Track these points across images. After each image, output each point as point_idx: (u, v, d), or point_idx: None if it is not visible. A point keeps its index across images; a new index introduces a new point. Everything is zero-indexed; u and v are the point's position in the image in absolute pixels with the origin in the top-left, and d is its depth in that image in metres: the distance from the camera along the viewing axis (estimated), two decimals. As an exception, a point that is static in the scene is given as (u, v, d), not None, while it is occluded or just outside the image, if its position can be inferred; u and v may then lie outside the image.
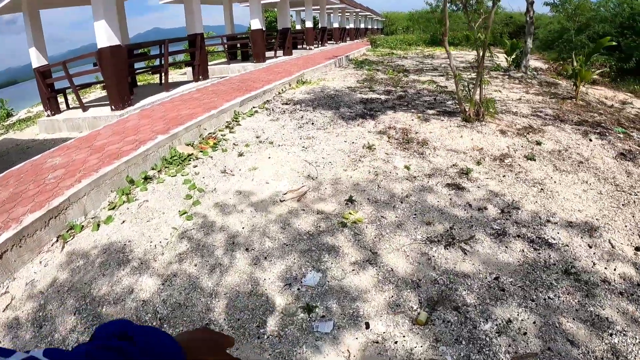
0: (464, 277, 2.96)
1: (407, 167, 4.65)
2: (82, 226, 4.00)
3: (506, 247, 3.26)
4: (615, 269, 3.07)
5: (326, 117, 6.86)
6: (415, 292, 2.90)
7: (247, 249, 3.44)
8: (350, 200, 3.98)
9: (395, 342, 2.53)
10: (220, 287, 3.06)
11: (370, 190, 4.16)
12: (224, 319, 2.79)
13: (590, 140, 5.73)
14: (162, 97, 9.50)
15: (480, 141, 5.56)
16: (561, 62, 13.48)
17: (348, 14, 27.82)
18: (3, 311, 3.12)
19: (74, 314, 2.97)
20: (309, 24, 21.93)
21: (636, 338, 2.44)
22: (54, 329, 2.89)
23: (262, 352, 2.53)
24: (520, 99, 8.42)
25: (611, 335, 2.47)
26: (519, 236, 3.40)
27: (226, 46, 17.98)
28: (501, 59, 13.89)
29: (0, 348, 0.46)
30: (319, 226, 3.68)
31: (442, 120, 6.45)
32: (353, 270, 3.14)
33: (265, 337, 2.63)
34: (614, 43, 9.23)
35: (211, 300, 2.95)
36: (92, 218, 4.17)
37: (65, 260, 3.55)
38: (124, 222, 3.99)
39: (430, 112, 7.08)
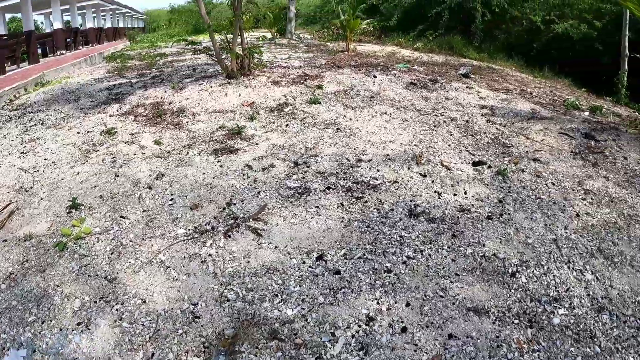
0: (269, 273, 1.94)
1: (158, 142, 3.61)
2: None
3: (316, 207, 2.38)
4: (466, 192, 2.43)
5: (61, 113, 5.11)
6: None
7: None
8: (74, 205, 2.69)
9: None
10: None
11: (103, 184, 2.98)
12: None
13: (375, 76, 5.35)
14: None
15: (250, 95, 4.59)
16: (325, 29, 13.68)
17: (104, 12, 24.26)
18: None
19: None
20: (57, 25, 17.94)
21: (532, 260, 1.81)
22: None
23: None
24: (289, 56, 7.90)
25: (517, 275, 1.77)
26: (329, 188, 2.58)
27: None
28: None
29: None
30: (26, 260, 2.19)
31: (202, 84, 5.29)
32: (75, 329, 1.66)
33: None
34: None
35: None
36: None
37: None
38: None
39: (188, 80, 5.85)
